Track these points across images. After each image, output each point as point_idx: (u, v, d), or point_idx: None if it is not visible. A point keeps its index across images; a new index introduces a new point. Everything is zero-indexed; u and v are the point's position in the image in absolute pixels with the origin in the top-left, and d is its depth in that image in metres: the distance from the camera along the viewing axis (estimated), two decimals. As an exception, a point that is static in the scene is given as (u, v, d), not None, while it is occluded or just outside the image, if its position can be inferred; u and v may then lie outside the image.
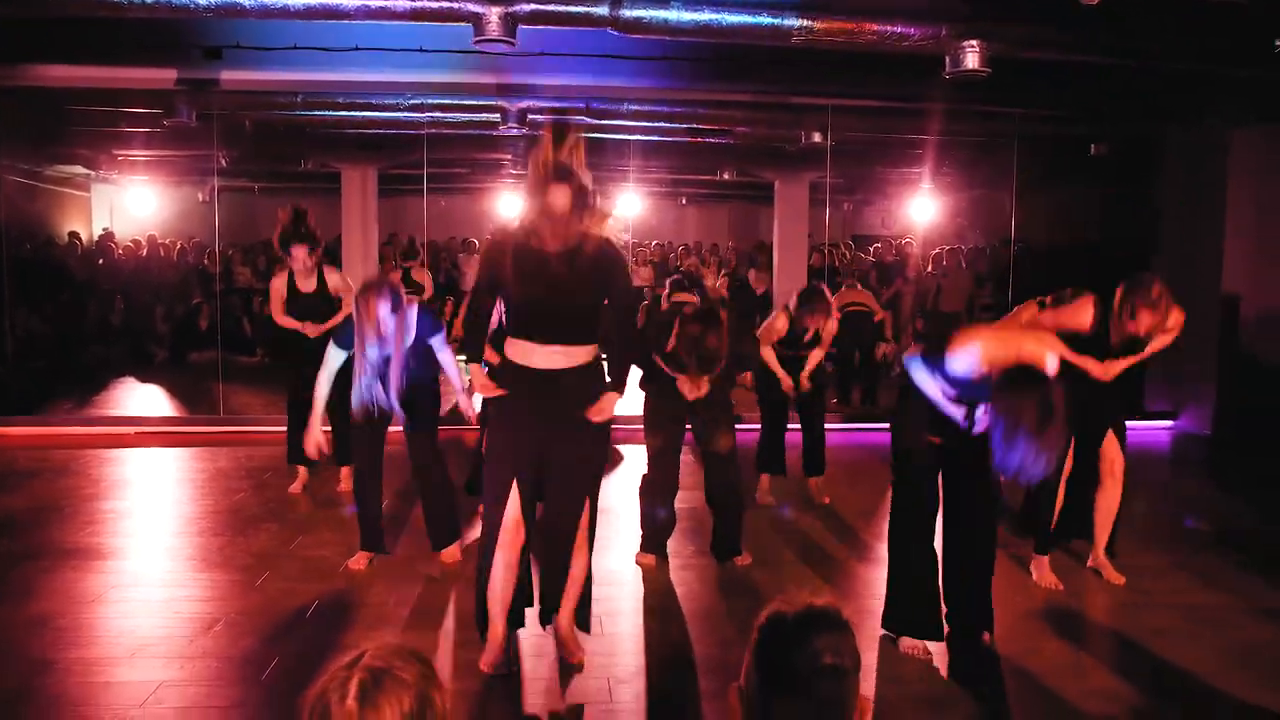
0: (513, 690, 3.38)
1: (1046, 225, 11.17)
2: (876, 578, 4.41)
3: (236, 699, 3.25)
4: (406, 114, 8.33)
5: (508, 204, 13.20)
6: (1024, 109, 8.43)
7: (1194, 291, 8.23)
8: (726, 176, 12.42)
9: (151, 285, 12.61)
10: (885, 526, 3.92)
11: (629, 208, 12.30)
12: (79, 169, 12.76)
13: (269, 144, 10.35)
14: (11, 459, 6.77)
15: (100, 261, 12.77)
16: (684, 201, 14.45)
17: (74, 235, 12.61)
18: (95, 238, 13.38)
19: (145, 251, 13.14)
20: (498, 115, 8.13)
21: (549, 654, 3.61)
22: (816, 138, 8.82)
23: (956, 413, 3.55)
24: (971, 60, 5.52)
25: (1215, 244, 8.27)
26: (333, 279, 5.84)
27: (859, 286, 9.72)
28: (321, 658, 3.46)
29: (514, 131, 8.34)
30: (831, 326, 5.80)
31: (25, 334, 10.39)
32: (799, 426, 6.03)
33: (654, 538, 4.81)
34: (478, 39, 5.17)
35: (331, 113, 8.36)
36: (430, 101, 8.06)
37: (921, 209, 12.54)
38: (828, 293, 5.90)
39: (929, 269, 11.69)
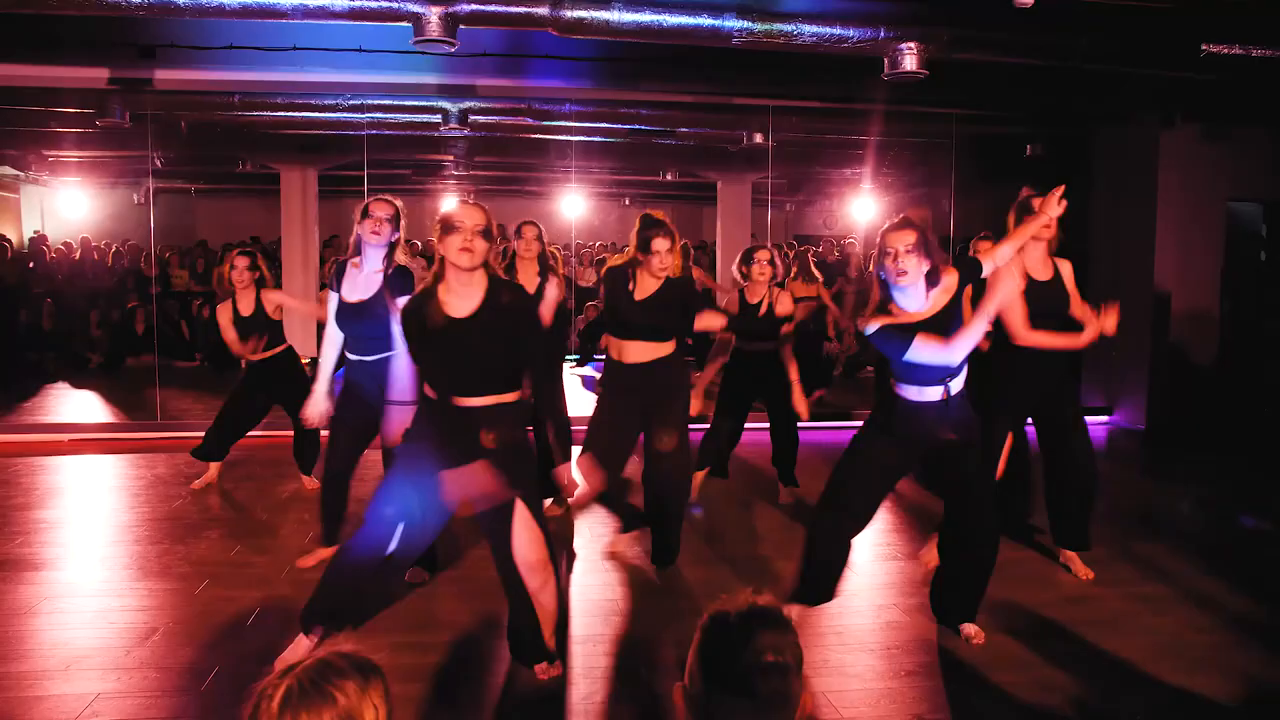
0: (464, 693, 3.37)
1: (985, 223, 11.37)
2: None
3: (175, 710, 3.19)
4: (346, 114, 8.25)
5: (451, 205, 13.12)
6: (961, 110, 8.60)
7: (1126, 288, 8.48)
8: (669, 177, 12.47)
9: (85, 289, 12.32)
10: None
11: (572, 209, 12.31)
12: (8, 170, 12.43)
13: (206, 145, 10.17)
14: (-62, 469, 6.57)
15: (31, 265, 12.44)
16: (627, 202, 14.48)
17: (1, 238, 12.26)
18: (25, 240, 13.03)
19: (78, 254, 12.83)
20: (439, 116, 8.07)
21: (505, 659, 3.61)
22: (758, 138, 8.91)
23: (933, 392, 3.60)
24: (909, 62, 5.62)
25: (1146, 242, 8.51)
26: (270, 301, 5.84)
27: (812, 275, 9.70)
28: (263, 667, 3.41)
29: (456, 133, 8.30)
30: (787, 303, 5.57)
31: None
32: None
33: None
34: (418, 39, 5.14)
35: (269, 113, 8.25)
36: (370, 102, 7.98)
37: (863, 209, 12.70)
38: (769, 250, 5.64)
39: (871, 268, 11.83)
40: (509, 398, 3.27)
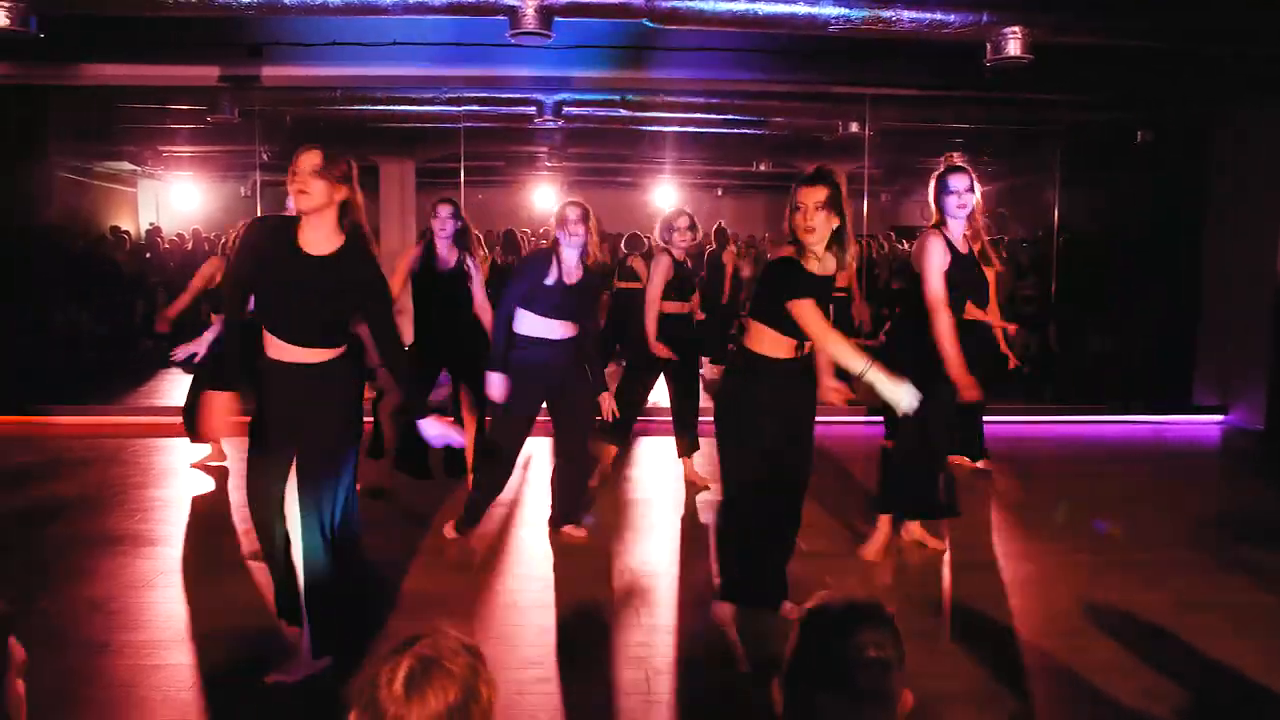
0: (550, 681, 3.41)
1: (1091, 215, 11.00)
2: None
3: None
4: (443, 108, 8.40)
5: (544, 196, 13.26)
6: (1068, 96, 8.31)
7: (1244, 282, 8.10)
8: (762, 168, 12.36)
9: (196, 279, 12.78)
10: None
11: (664, 199, 12.30)
12: (126, 165, 13.00)
13: (309, 138, 10.46)
14: (64, 447, 6.92)
15: (147, 255, 12.99)
16: (720, 193, 14.42)
17: (116, 230, 12.82)
18: (142, 232, 13.61)
19: (190, 245, 13.34)
20: (533, 108, 8.15)
21: (586, 643, 3.64)
22: (854, 127, 8.77)
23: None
24: (1013, 47, 5.45)
25: (1267, 234, 8.09)
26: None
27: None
28: (368, 643, 3.52)
29: (550, 124, 8.36)
30: (743, 269, 5.71)
31: (75, 326, 10.60)
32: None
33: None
34: (513, 32, 5.18)
35: (370, 107, 8.46)
36: (467, 95, 8.12)
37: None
38: (688, 215, 5.72)
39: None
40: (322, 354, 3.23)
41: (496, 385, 4.56)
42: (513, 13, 5.15)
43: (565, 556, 4.68)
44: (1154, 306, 9.45)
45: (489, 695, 1.33)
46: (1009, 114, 8.88)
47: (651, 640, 3.72)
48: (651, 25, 5.38)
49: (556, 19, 5.23)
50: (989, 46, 5.53)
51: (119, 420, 7.97)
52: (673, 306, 5.73)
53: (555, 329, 4.63)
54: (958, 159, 4.50)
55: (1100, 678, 3.43)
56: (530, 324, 4.62)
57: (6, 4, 5.04)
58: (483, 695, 1.32)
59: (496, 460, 4.77)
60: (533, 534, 4.98)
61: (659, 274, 5.65)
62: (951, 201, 4.30)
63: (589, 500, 5.32)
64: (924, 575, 4.57)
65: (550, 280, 4.57)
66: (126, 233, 12.92)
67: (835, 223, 3.49)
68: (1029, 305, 11.04)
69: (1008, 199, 12.91)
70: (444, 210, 5.46)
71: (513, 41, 5.26)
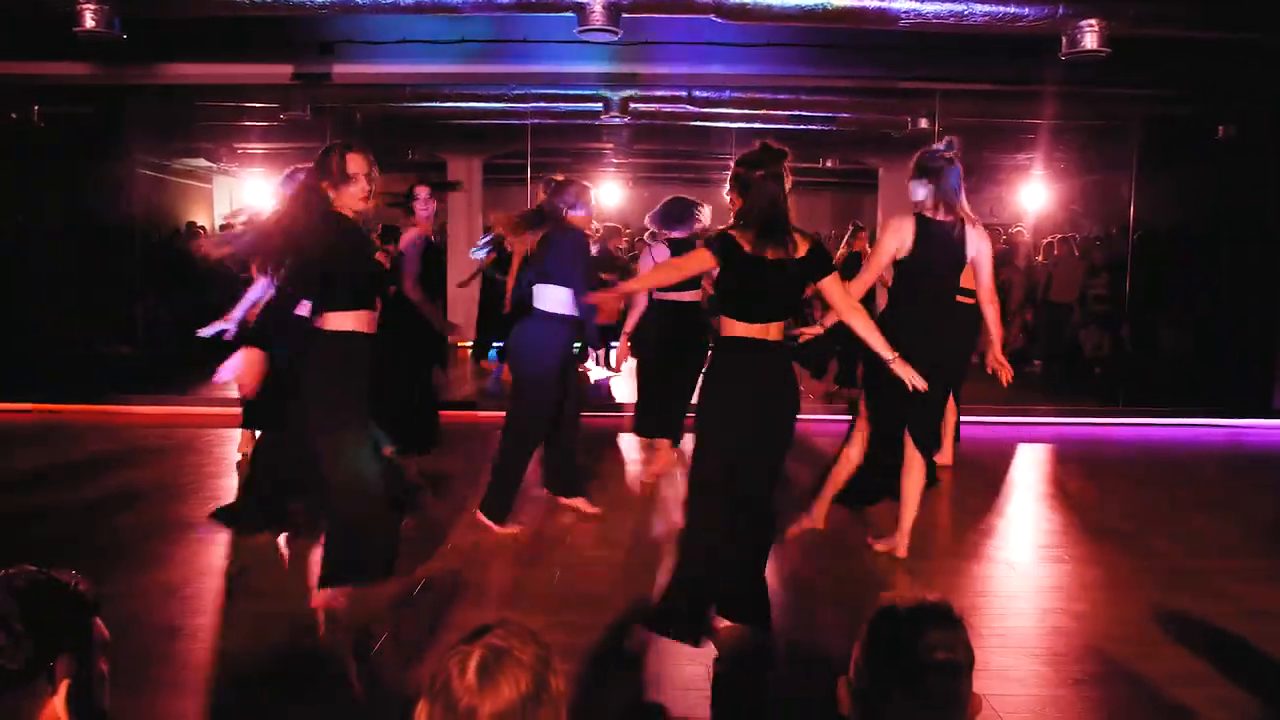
0: (612, 674, 3.42)
1: (1168, 211, 10.70)
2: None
3: (349, 670, 3.37)
4: (511, 104, 8.47)
5: (609, 192, 13.29)
6: (1145, 90, 8.08)
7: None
8: (829, 164, 12.24)
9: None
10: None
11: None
12: (202, 162, 13.35)
13: (378, 135, 10.63)
14: (140, 436, 7.14)
15: (221, 250, 13.30)
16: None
17: (192, 225, 13.15)
18: (217, 227, 13.95)
19: (263, 240, 13.64)
20: (600, 105, 8.18)
21: (643, 638, 3.65)
22: (924, 123, 8.64)
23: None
24: (1090, 40, 5.33)
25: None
26: None
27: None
28: (431, 633, 3.57)
29: (616, 120, 8.39)
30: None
31: (154, 318, 10.91)
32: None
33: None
34: (582, 28, 5.21)
35: (438, 104, 8.55)
36: (534, 92, 8.17)
37: (1033, 196, 12.16)
38: (696, 206, 5.61)
39: (1039, 258, 11.33)
40: None
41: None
42: (581, 9, 5.17)
43: (617, 548, 4.69)
44: (1232, 306, 9.17)
45: (558, 685, 1.34)
46: (1082, 109, 8.66)
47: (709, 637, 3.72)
48: (720, 20, 5.37)
49: (624, 15, 5.25)
50: (1064, 40, 5.42)
51: (193, 410, 8.19)
52: (685, 295, 5.53)
53: (572, 305, 4.69)
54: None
55: (1171, 687, 3.34)
56: (555, 298, 4.69)
57: (92, 6, 5.21)
58: (552, 685, 1.33)
59: (526, 443, 4.82)
60: (582, 524, 5.01)
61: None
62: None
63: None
64: (989, 578, 4.49)
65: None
66: (202, 227, 13.26)
67: (739, 204, 3.54)
68: (1101, 304, 10.79)
69: (1081, 195, 12.62)
70: (422, 192, 5.74)
71: (580, 38, 5.29)
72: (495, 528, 4.78)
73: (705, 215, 5.58)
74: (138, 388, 8.60)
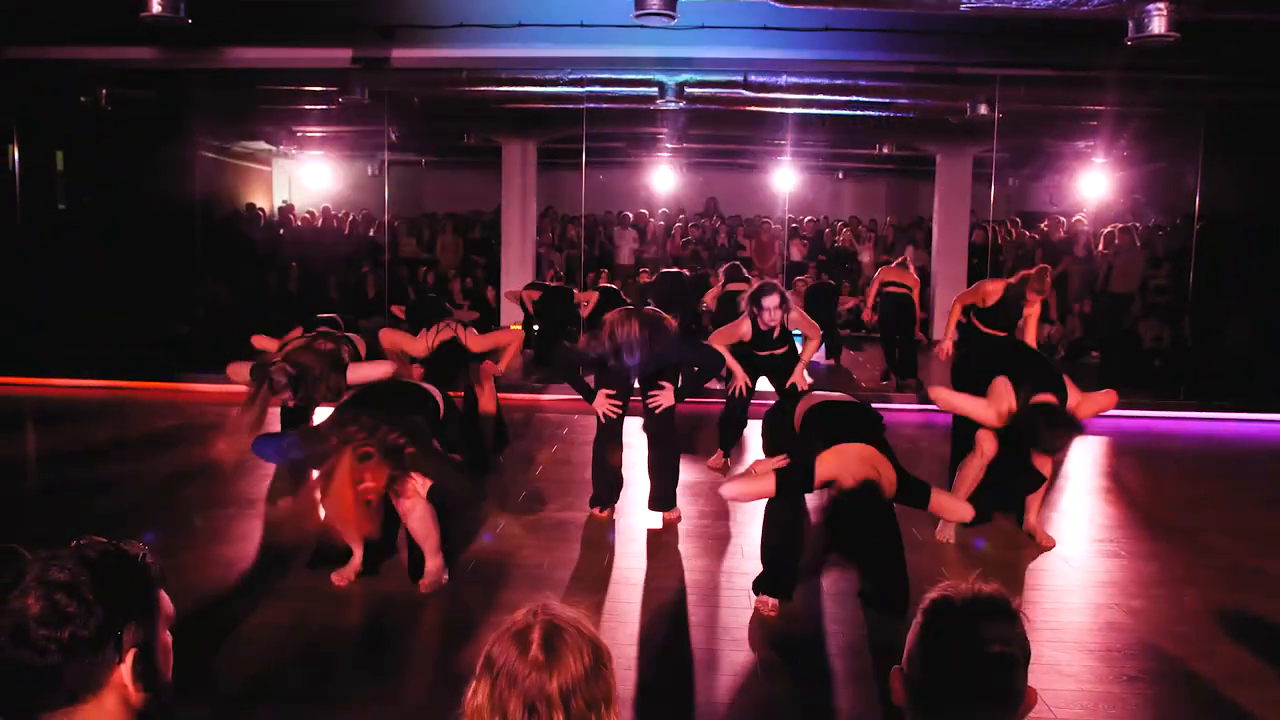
0: (654, 660, 3.45)
1: (1235, 201, 10.41)
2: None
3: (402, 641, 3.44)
4: (566, 89, 8.48)
5: (663, 178, 13.28)
6: (1212, 76, 7.86)
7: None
8: (886, 150, 12.10)
9: (325, 255, 13.26)
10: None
11: (784, 182, 12.17)
12: (262, 145, 13.57)
13: (435, 119, 10.72)
14: (200, 413, 7.30)
15: (281, 232, 13.54)
16: (841, 176, 14.17)
17: (251, 207, 13.38)
18: (275, 210, 14.19)
19: (320, 223, 13.83)
20: (655, 89, 8.17)
21: (693, 626, 3.67)
22: (983, 109, 8.49)
23: None
24: (1158, 24, 5.19)
25: None
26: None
27: (908, 266, 9.17)
28: (479, 614, 3.63)
29: (671, 105, 8.37)
30: (794, 317, 5.70)
31: (214, 298, 11.13)
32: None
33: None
34: (638, 13, 5.20)
35: (495, 88, 8.60)
36: (590, 76, 8.18)
37: (1093, 184, 11.91)
38: (780, 288, 5.73)
39: (1100, 248, 11.11)
40: None
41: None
42: (637, -7, 5.16)
43: (670, 539, 4.71)
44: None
45: (608, 661, 1.37)
46: (1146, 95, 8.45)
47: (749, 623, 3.73)
48: (776, 4, 5.33)
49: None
50: (1131, 24, 5.28)
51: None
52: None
53: None
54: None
55: (1227, 687, 3.29)
56: None
57: (159, -9, 5.31)
58: (607, 657, 1.36)
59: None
60: (640, 516, 5.03)
61: (733, 333, 5.71)
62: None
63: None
64: (1043, 571, 4.44)
65: None
66: (261, 210, 13.49)
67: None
68: (1162, 295, 10.54)
69: (1143, 184, 12.33)
70: None
71: (637, 22, 5.28)
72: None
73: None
74: (201, 366, 8.78)
